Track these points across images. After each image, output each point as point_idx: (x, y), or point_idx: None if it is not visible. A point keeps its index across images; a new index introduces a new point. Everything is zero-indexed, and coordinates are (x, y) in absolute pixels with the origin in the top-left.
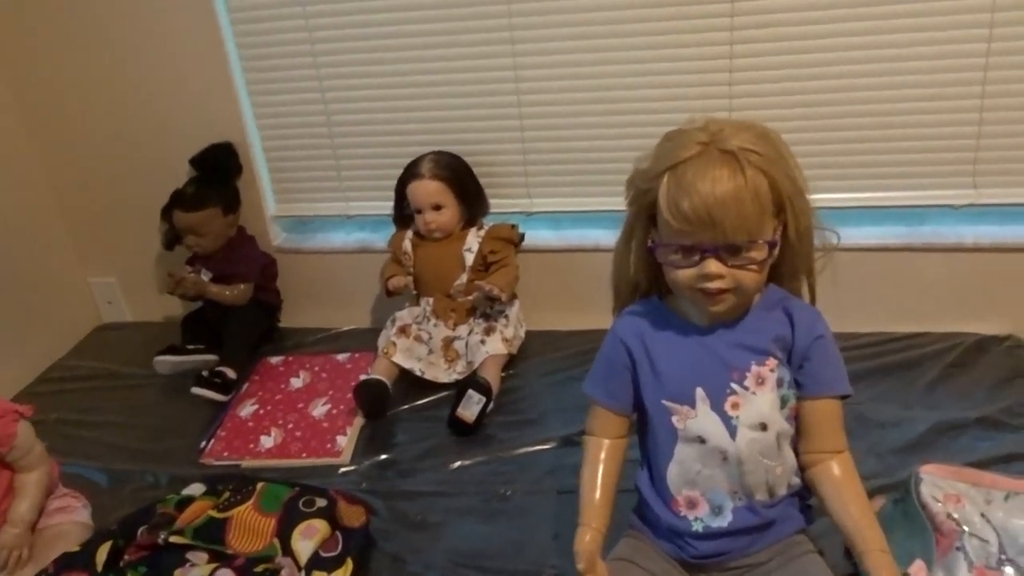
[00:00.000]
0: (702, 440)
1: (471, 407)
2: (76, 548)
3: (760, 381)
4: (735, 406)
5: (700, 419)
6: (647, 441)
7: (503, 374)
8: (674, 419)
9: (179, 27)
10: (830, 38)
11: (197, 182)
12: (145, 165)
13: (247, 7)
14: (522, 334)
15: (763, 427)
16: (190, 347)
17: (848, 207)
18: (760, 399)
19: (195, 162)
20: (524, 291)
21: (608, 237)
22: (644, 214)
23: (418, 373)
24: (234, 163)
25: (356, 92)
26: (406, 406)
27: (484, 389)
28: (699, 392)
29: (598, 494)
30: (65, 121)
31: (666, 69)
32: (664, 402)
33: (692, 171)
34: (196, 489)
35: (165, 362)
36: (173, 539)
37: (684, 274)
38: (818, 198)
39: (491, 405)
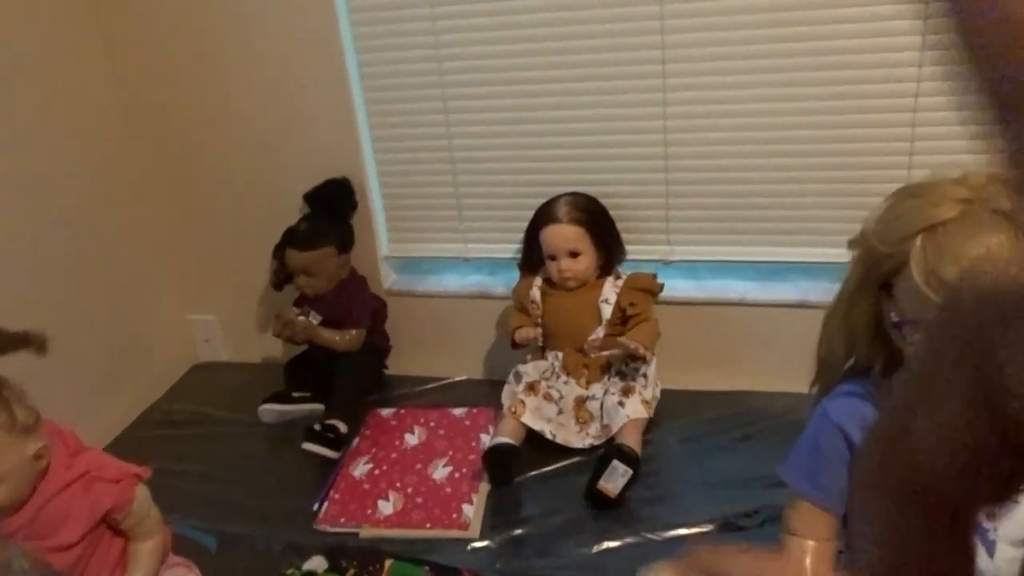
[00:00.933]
0: None
1: (615, 479)
2: None
3: None
4: (991, 516)
5: None
6: None
7: None
8: None
9: (299, 54)
10: None
11: (311, 219)
12: (252, 198)
13: (373, 35)
14: (658, 394)
15: None
16: (295, 395)
17: None
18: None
19: (310, 198)
20: (659, 346)
21: (754, 290)
22: (876, 281)
23: (549, 436)
24: (351, 200)
25: (483, 127)
26: (534, 472)
27: (631, 460)
28: None
29: None
30: (172, 149)
31: (831, 108)
32: None
33: (958, 234)
34: (318, 564)
35: (271, 411)
36: None
37: None
38: None
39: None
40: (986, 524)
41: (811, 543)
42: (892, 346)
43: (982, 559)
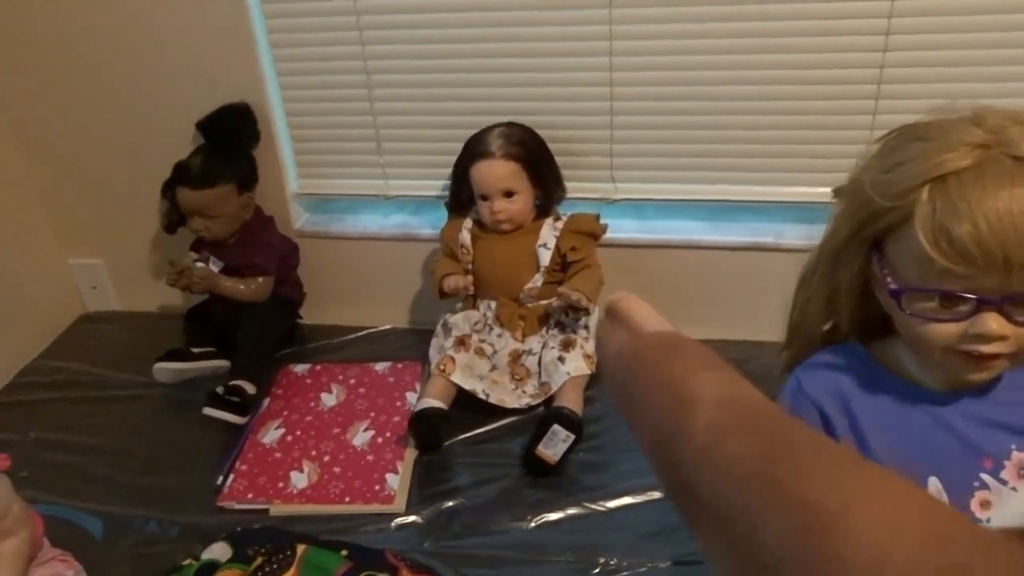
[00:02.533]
0: None
1: (556, 446)
2: None
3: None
4: (985, 505)
5: None
6: None
7: None
8: None
9: None
10: None
11: (206, 152)
12: (139, 128)
13: None
14: None
15: None
16: (196, 351)
17: None
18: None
19: (204, 127)
20: (599, 293)
21: (703, 230)
22: (868, 238)
23: (482, 396)
24: (251, 129)
25: (405, 47)
26: (465, 435)
27: (573, 424)
28: (933, 483)
29: None
30: (45, 73)
31: (791, 31)
32: None
33: (974, 186)
34: (221, 552)
35: (167, 370)
36: None
37: (942, 330)
38: None
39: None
40: (979, 514)
41: None
42: (875, 311)
43: None
